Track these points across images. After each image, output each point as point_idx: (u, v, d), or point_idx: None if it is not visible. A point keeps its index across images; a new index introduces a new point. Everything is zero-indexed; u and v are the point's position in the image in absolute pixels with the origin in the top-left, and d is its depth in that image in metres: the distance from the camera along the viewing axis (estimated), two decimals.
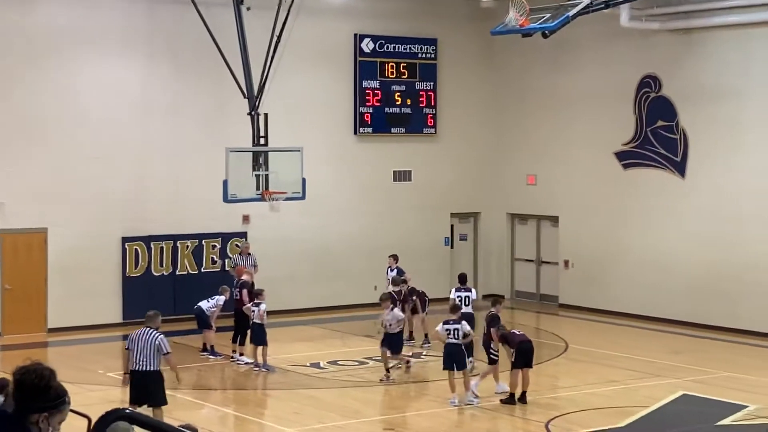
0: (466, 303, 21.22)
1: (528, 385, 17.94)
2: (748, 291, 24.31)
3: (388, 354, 19.87)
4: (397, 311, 20.13)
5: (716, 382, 19.59)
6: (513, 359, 17.89)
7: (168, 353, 15.46)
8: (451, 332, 18.00)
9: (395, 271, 23.92)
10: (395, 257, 24.45)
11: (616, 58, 27.14)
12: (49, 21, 24.42)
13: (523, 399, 17.85)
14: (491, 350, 18.62)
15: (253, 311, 20.75)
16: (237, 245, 26.24)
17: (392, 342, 19.91)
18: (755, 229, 24.17)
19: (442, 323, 18.34)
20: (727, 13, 24.47)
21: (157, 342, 15.34)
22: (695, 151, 25.47)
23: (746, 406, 17.68)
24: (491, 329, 18.50)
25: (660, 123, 26.21)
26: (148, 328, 15.51)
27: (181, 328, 24.72)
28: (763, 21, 23.84)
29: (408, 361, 20.60)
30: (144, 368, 15.36)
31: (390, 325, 19.85)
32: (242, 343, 21.60)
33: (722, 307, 24.78)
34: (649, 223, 26.49)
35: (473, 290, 22.04)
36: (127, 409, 4.81)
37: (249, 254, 24.68)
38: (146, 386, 15.43)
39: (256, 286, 21.90)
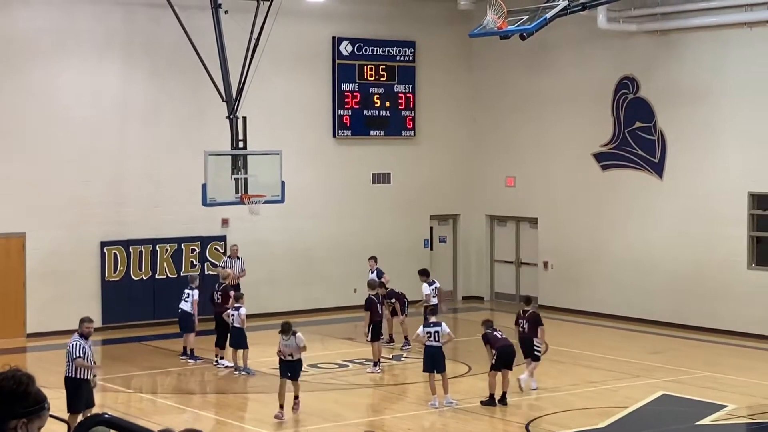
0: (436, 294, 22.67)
1: (507, 386, 18.01)
2: (726, 291, 24.43)
3: (290, 383, 17.75)
4: (300, 336, 17.84)
5: (695, 382, 19.68)
6: (493, 361, 17.94)
7: (76, 357, 15.26)
8: (431, 335, 18.01)
9: (375, 272, 23.92)
10: (375, 259, 24.47)
11: (594, 60, 27.25)
12: (26, 25, 24.32)
13: (503, 400, 17.89)
14: (535, 347, 18.97)
15: (233, 315, 20.69)
16: (216, 249, 26.25)
17: (295, 368, 17.90)
18: (733, 229, 24.29)
19: (422, 326, 18.34)
20: (703, 14, 24.60)
21: (68, 347, 15.39)
22: (673, 151, 25.59)
23: (725, 406, 17.77)
24: (539, 327, 19.01)
25: (638, 124, 26.32)
26: (75, 334, 15.56)
27: (160, 332, 24.71)
28: (739, 22, 23.96)
29: (296, 399, 17.77)
30: (66, 374, 15.46)
31: (291, 354, 17.80)
32: (222, 347, 21.54)
33: (701, 307, 24.90)
34: (628, 224, 26.59)
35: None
36: (106, 414, 4.80)
37: (238, 258, 24.70)
38: (66, 391, 15.43)
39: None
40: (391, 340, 23.28)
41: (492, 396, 17.88)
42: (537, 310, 19.64)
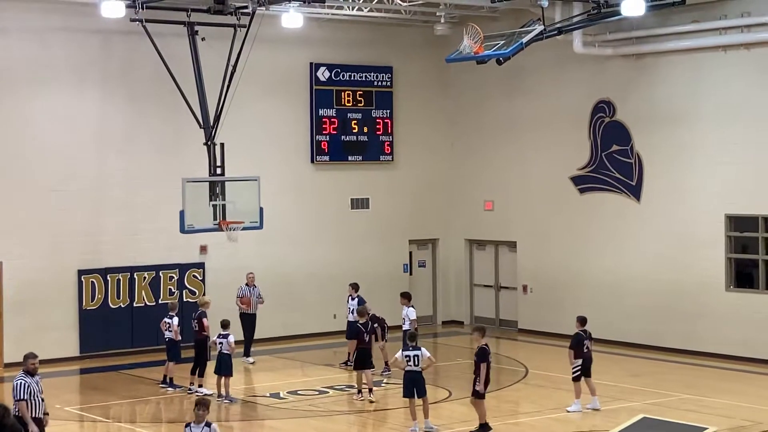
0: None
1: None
2: (704, 313, 24.50)
3: None
4: (215, 428, 13.14)
5: (676, 405, 19.68)
6: (478, 388, 17.44)
7: (20, 399, 14.24)
8: (411, 359, 17.92)
9: (356, 300, 23.83)
10: (355, 286, 24.37)
11: (570, 84, 27.36)
12: (2, 54, 24.25)
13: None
14: (573, 368, 19.32)
15: (221, 343, 20.56)
16: (194, 275, 26.16)
17: None
18: (710, 251, 24.37)
19: (401, 350, 18.25)
20: (678, 38, 24.77)
21: (12, 386, 14.45)
22: (650, 174, 25.69)
23: (706, 428, 17.77)
24: (569, 350, 19.48)
25: (615, 147, 26.42)
26: (21, 371, 14.59)
27: (138, 361, 24.57)
28: (713, 46, 24.13)
29: None
30: (16, 413, 14.20)
31: None
32: (201, 375, 21.42)
33: (680, 329, 24.96)
34: (606, 246, 26.65)
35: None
36: None
37: (254, 286, 24.66)
38: None
39: (223, 318, 21.55)
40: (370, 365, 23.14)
41: (484, 425, 17.46)
42: (578, 330, 19.53)
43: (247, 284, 24.80)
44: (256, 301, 24.69)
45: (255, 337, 25.14)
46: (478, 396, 17.51)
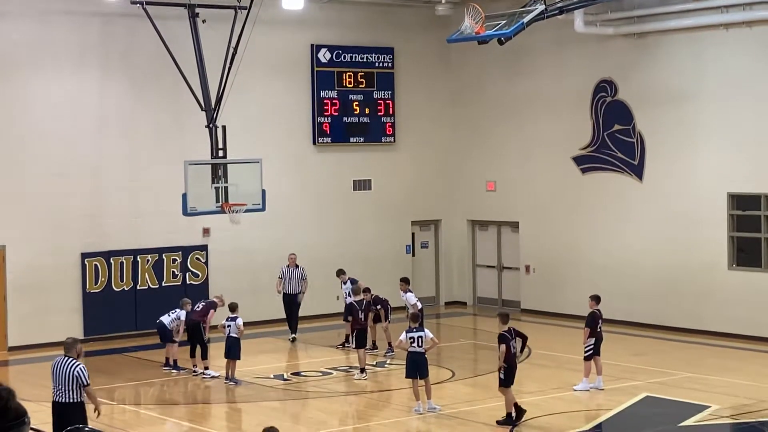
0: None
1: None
2: (707, 292, 24.52)
3: None
4: None
5: (678, 384, 19.72)
6: (502, 376, 17.22)
7: (87, 385, 14.32)
8: (414, 340, 17.98)
9: (348, 282, 23.91)
10: (343, 271, 24.46)
11: (572, 64, 27.32)
12: (2, 38, 24.23)
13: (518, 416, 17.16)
14: (585, 347, 19.37)
15: (229, 326, 20.60)
16: (197, 258, 26.17)
17: None
18: (712, 230, 24.38)
19: (405, 332, 18.31)
20: (679, 17, 24.71)
21: (75, 373, 14.30)
22: (652, 154, 25.67)
23: (709, 407, 17.82)
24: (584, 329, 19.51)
25: (617, 127, 26.40)
26: (67, 358, 14.46)
27: (142, 343, 24.64)
28: (715, 24, 24.08)
29: None
30: (64, 400, 14.34)
31: None
32: (204, 357, 21.46)
33: (683, 309, 24.98)
34: (609, 226, 26.66)
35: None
36: (86, 427, 4.80)
37: (297, 266, 24.71)
38: (68, 419, 14.11)
39: (231, 300, 21.57)
40: (374, 346, 23.25)
41: (519, 409, 17.09)
42: (592, 308, 19.42)
43: (288, 265, 24.82)
44: (299, 283, 24.70)
45: (258, 319, 25.17)
46: (500, 384, 17.35)
